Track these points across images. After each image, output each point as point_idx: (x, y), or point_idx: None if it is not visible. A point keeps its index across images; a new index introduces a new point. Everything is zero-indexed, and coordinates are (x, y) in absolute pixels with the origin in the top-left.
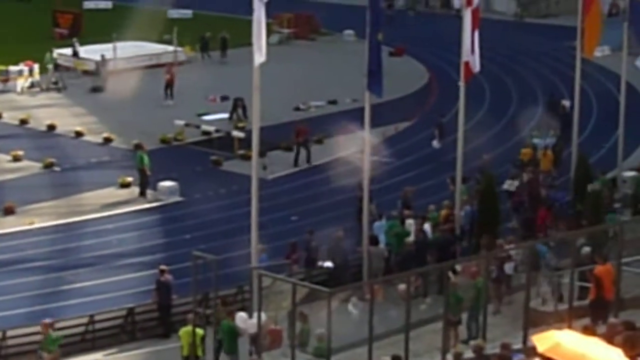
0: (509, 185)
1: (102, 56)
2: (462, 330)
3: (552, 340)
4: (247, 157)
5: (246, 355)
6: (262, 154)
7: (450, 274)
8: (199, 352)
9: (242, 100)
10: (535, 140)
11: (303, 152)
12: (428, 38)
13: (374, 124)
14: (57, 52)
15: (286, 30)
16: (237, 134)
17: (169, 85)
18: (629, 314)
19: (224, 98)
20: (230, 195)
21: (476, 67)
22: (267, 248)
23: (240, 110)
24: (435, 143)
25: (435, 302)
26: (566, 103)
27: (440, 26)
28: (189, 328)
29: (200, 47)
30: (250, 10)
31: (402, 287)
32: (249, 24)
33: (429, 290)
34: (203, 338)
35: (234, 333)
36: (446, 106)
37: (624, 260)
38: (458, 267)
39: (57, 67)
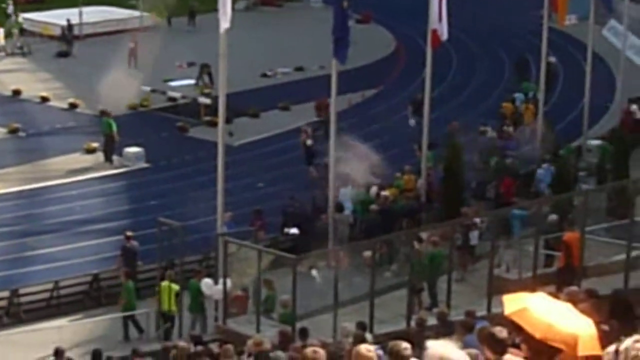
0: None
1: (68, 21)
2: (426, 297)
3: (521, 303)
4: (213, 124)
5: (212, 321)
6: (228, 120)
7: (415, 242)
8: (173, 307)
9: (208, 67)
10: (516, 95)
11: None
12: (395, 5)
13: (341, 91)
14: (22, 16)
15: None
16: (203, 100)
17: (133, 54)
18: (592, 282)
19: (191, 64)
20: (196, 161)
21: (444, 35)
22: (233, 215)
23: (206, 77)
24: (412, 121)
25: (400, 270)
26: (552, 59)
27: None
28: (167, 283)
29: (188, 15)
30: None
31: (367, 254)
32: None
33: (394, 258)
34: (178, 294)
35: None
36: (413, 74)
37: (588, 228)
38: (423, 235)
39: (22, 31)
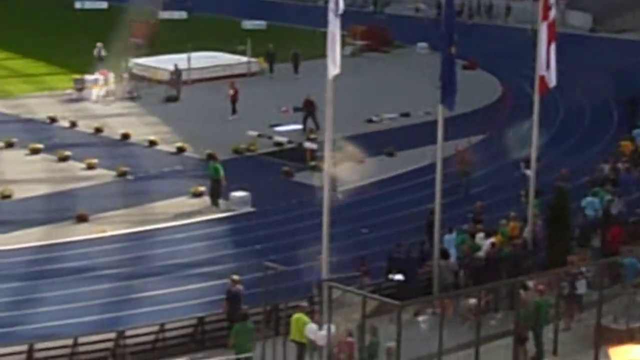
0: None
1: (176, 66)
2: (531, 346)
3: (629, 355)
4: (318, 169)
5: None
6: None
7: (521, 290)
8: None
9: (312, 104)
10: (635, 132)
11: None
12: (501, 51)
13: (446, 137)
14: (133, 61)
15: (359, 43)
16: (309, 145)
17: (233, 100)
18: None
19: (297, 109)
20: (301, 206)
21: (552, 82)
22: (337, 260)
23: (310, 122)
24: (527, 172)
25: (506, 318)
26: None
27: (513, 39)
28: (299, 315)
29: (266, 60)
30: (323, 23)
31: (472, 301)
32: (322, 35)
33: (500, 306)
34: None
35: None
36: (519, 120)
37: None
38: (529, 283)
39: (132, 76)
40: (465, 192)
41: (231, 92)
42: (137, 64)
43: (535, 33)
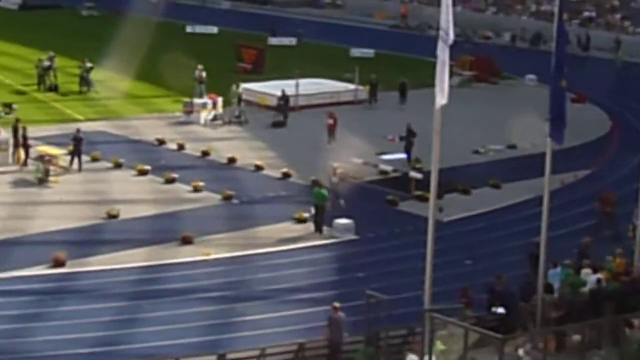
0: None
1: (283, 92)
2: None
3: None
4: (423, 199)
5: None
6: (439, 196)
7: (626, 327)
8: None
9: (411, 132)
10: None
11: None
12: (611, 85)
13: (553, 171)
14: (242, 86)
15: (467, 73)
16: (414, 174)
17: (331, 130)
18: None
19: (402, 138)
20: (404, 235)
21: None
22: (439, 291)
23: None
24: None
25: (609, 355)
26: None
27: (622, 73)
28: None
29: (369, 89)
30: (431, 52)
31: (575, 337)
32: (429, 65)
33: (603, 343)
34: None
35: None
36: (628, 155)
37: None
38: (635, 321)
39: (240, 101)
40: (615, 231)
41: (330, 121)
42: (245, 89)
43: None
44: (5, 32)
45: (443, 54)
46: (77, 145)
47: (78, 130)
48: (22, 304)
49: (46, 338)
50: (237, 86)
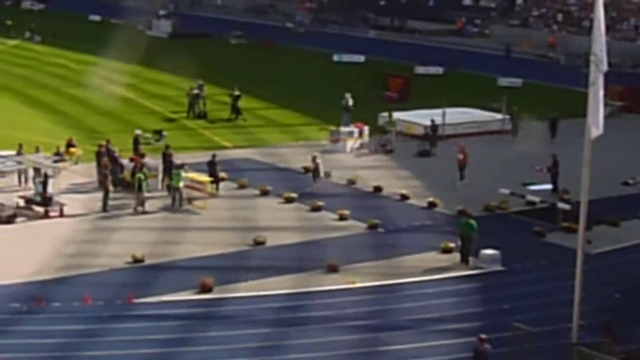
0: None
1: (432, 121)
2: None
3: None
4: (571, 230)
5: None
6: (587, 227)
7: None
8: None
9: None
10: None
11: None
12: None
13: None
14: (391, 115)
15: (617, 103)
16: (562, 206)
17: (461, 166)
18: None
19: (550, 169)
20: (551, 267)
21: None
22: (586, 324)
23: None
24: None
25: None
26: None
27: None
28: None
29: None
30: (580, 82)
31: None
32: (577, 95)
33: None
34: None
35: None
36: None
37: None
38: None
39: (387, 129)
40: None
41: (460, 156)
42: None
43: None
44: (156, 60)
45: (596, 83)
46: (213, 170)
47: (214, 156)
48: (169, 329)
49: None
50: (391, 115)
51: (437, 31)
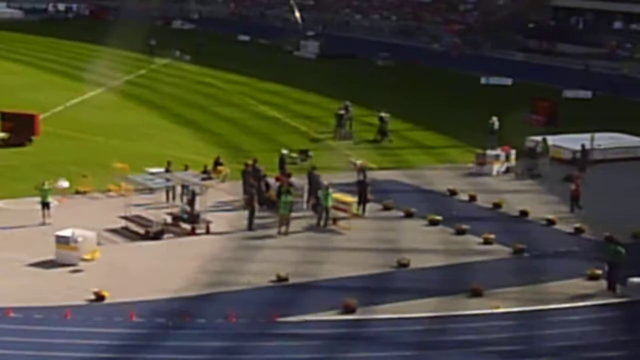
0: None
1: (583, 146)
2: None
3: None
4: None
5: None
6: None
7: None
8: None
9: None
10: None
11: None
12: None
13: None
14: (549, 139)
15: None
16: None
17: (574, 197)
18: None
19: None
20: None
21: None
22: None
23: None
24: None
25: None
26: None
27: None
28: None
29: None
30: None
31: None
32: None
33: None
34: None
35: None
36: None
37: None
38: None
39: (532, 154)
40: None
41: (572, 186)
42: (536, 141)
43: None
44: (304, 80)
45: None
46: (363, 190)
47: (364, 176)
48: (312, 348)
49: None
50: (545, 139)
51: (589, 54)
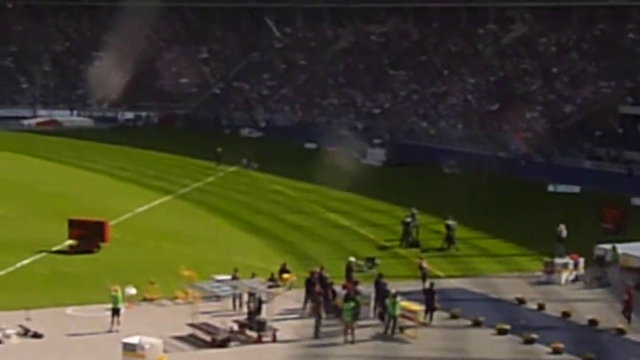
0: None
1: None
2: None
3: None
4: None
5: None
6: None
7: None
8: None
9: None
10: None
11: None
12: None
13: None
14: (618, 247)
15: None
16: None
17: (628, 308)
18: None
19: None
20: None
21: None
22: None
23: None
24: None
25: None
26: None
27: None
28: None
29: None
30: None
31: None
32: None
33: None
34: None
35: None
36: None
37: None
38: None
39: (602, 262)
40: None
41: (626, 297)
42: (604, 250)
43: None
44: (371, 188)
45: None
46: (431, 298)
47: (432, 284)
48: None
49: None
50: (615, 248)
51: None
